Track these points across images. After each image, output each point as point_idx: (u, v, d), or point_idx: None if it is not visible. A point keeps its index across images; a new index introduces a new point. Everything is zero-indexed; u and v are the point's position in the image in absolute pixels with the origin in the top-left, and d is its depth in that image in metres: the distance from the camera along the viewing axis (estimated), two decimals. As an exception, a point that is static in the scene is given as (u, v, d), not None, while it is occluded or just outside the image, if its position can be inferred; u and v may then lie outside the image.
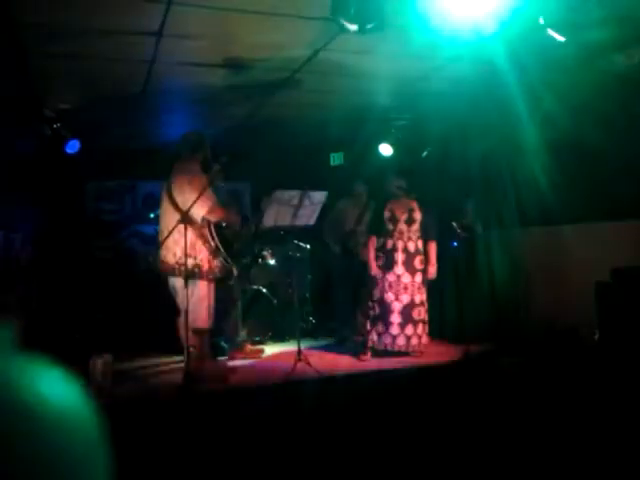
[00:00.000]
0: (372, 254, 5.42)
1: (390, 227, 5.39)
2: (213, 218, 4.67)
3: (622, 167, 4.81)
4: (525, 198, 5.96)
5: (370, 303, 5.45)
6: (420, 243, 5.41)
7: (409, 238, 5.37)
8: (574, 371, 4.28)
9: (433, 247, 5.41)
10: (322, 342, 6.37)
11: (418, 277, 5.35)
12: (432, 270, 5.37)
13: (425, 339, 5.41)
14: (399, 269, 5.31)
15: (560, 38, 3.74)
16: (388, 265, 5.35)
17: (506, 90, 4.77)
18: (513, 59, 4.25)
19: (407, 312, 5.29)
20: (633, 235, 4.81)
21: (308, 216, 5.13)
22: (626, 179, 4.75)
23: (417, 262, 5.36)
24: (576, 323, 4.89)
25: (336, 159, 7.47)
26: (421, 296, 5.37)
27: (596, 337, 4.47)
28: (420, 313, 5.35)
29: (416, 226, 5.39)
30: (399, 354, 5.31)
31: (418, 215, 5.41)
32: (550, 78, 4.79)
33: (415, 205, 5.45)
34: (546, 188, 5.70)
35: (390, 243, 5.38)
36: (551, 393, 3.93)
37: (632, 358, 4.05)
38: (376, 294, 5.39)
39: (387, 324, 5.30)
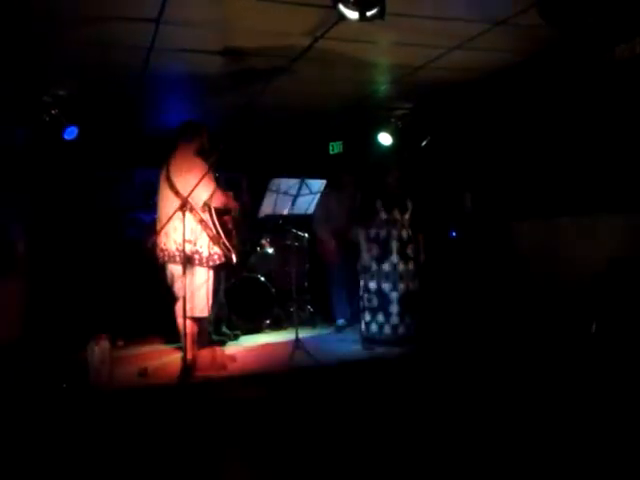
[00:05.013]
0: (364, 244, 5.45)
1: (384, 216, 5.41)
2: (215, 203, 4.65)
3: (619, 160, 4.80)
4: (524, 190, 5.96)
5: (367, 294, 5.45)
6: (411, 231, 5.49)
7: (402, 226, 5.42)
8: (571, 363, 4.30)
9: (421, 238, 5.58)
10: (320, 331, 6.39)
11: (411, 265, 5.39)
12: (422, 257, 5.54)
13: (423, 327, 5.42)
14: (395, 258, 5.34)
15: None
16: (384, 254, 5.36)
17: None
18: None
19: (405, 301, 5.31)
20: (630, 227, 4.80)
21: (307, 205, 5.13)
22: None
23: (410, 250, 5.42)
24: (573, 314, 4.90)
25: (335, 148, 7.45)
26: (416, 284, 5.41)
27: (593, 328, 4.48)
28: (417, 301, 5.38)
29: (408, 214, 5.47)
30: (398, 343, 5.33)
31: (410, 204, 5.49)
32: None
33: (407, 195, 5.53)
34: (544, 180, 5.70)
35: (384, 232, 5.39)
36: (548, 385, 3.95)
37: (630, 349, 4.06)
38: (373, 285, 5.40)
39: (387, 315, 5.31)
